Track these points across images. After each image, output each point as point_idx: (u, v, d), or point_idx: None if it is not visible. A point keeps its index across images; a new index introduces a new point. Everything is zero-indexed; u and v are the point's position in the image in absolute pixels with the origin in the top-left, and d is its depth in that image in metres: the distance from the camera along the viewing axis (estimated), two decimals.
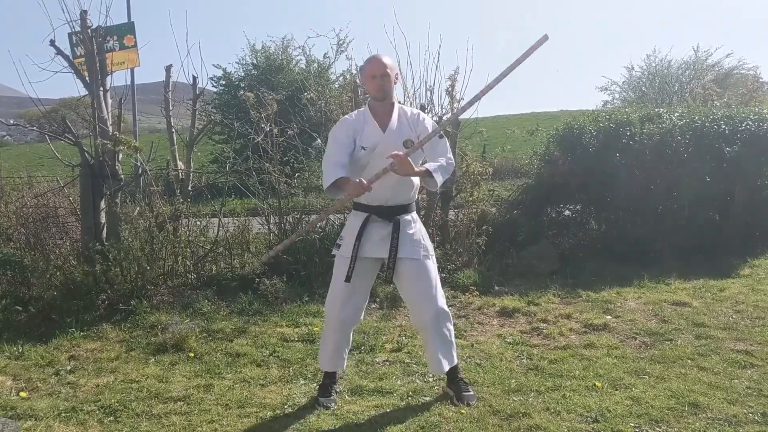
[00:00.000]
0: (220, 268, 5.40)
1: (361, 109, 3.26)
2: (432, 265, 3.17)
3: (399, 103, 3.25)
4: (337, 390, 3.32)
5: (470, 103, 3.19)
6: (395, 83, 3.14)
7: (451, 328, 3.22)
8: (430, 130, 3.07)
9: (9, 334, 4.24)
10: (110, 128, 5.05)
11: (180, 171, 5.68)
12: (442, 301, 3.15)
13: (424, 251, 3.15)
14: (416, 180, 3.17)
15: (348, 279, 3.09)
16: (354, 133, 3.09)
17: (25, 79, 5.05)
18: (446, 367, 3.18)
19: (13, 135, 37.83)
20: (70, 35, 6.17)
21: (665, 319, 4.46)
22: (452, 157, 3.15)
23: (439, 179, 3.01)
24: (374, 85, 3.09)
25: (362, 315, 3.29)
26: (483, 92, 2.96)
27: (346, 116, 3.29)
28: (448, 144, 3.18)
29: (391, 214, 3.11)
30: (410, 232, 3.13)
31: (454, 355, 3.23)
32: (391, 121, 3.10)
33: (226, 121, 7.99)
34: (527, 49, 2.85)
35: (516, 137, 7.63)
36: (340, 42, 14.59)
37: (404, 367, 3.68)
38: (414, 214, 3.22)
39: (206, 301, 4.81)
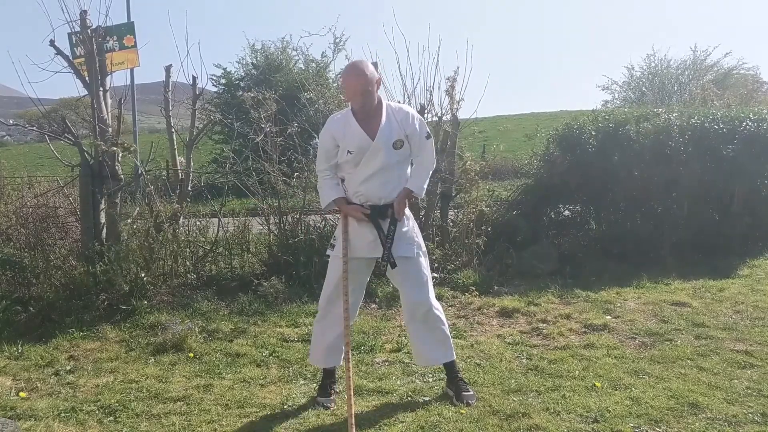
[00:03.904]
0: (219, 268, 5.41)
1: (346, 110, 3.22)
2: (424, 261, 3.23)
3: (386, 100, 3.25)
4: (337, 390, 3.32)
5: None
6: (378, 88, 3.11)
7: (445, 321, 3.26)
8: (419, 130, 3.13)
9: (9, 334, 4.24)
10: (110, 128, 5.04)
11: (180, 171, 5.68)
12: (433, 297, 3.21)
13: (418, 248, 3.20)
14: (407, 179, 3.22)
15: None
16: (336, 139, 3.10)
17: (24, 79, 5.08)
18: (443, 360, 3.23)
19: (13, 135, 37.84)
20: (69, 35, 6.17)
21: (665, 320, 4.46)
22: (434, 159, 3.25)
23: (422, 192, 3.24)
24: (356, 101, 3.05)
25: (357, 311, 3.40)
26: None
27: (333, 116, 3.29)
28: (433, 145, 3.25)
29: (385, 212, 3.13)
30: (404, 230, 3.16)
31: (452, 348, 3.26)
32: (381, 125, 3.08)
33: (225, 121, 7.98)
34: None
35: (515, 137, 7.64)
36: (337, 40, 14.48)
37: (404, 367, 3.68)
38: (407, 211, 3.24)
39: (206, 301, 4.81)
